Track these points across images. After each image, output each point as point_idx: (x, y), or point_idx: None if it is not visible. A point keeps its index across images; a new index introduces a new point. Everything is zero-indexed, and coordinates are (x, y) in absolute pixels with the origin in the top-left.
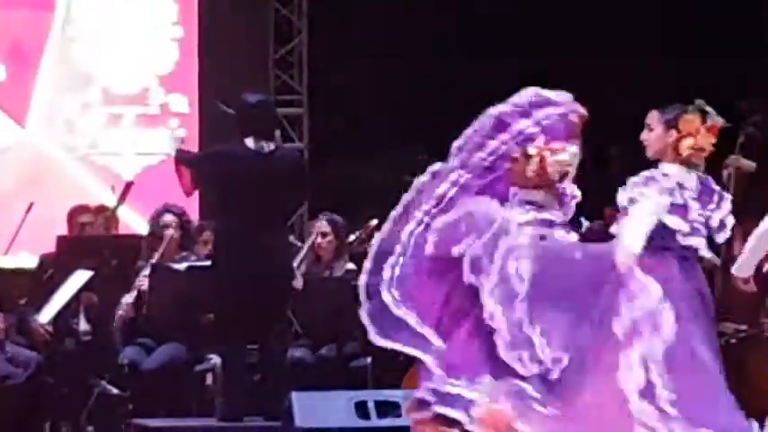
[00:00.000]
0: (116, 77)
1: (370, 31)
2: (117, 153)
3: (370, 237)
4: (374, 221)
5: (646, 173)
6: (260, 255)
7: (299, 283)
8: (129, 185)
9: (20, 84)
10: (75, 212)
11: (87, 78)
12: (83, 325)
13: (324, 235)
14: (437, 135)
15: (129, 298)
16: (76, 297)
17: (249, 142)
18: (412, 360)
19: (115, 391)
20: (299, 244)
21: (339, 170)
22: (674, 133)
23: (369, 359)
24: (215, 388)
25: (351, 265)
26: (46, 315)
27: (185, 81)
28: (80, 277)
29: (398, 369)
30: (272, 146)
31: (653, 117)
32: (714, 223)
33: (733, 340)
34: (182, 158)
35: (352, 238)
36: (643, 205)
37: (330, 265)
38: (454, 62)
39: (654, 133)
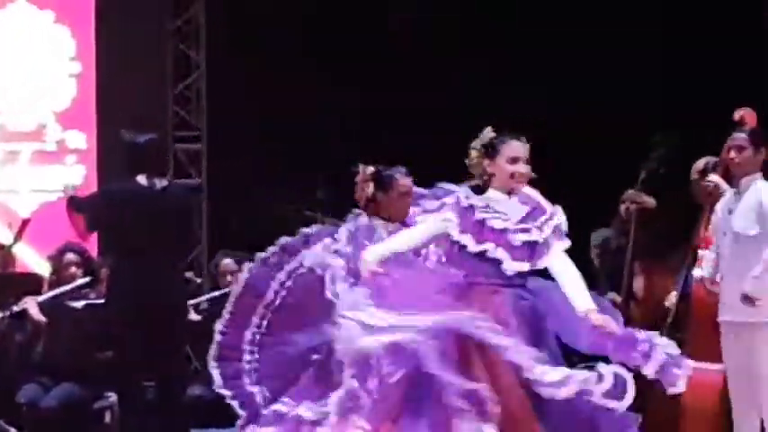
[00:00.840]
0: (12, 114)
1: (268, 65)
2: (13, 190)
3: None
4: None
5: None
6: (152, 291)
7: (195, 318)
8: (25, 222)
9: None
10: None
11: None
12: None
13: (232, 273)
14: (338, 168)
15: None
16: None
17: (141, 179)
18: None
19: (13, 430)
20: (198, 280)
21: (238, 205)
22: None
23: None
24: (113, 425)
25: None
26: None
27: (83, 117)
28: None
29: None
30: (164, 182)
31: None
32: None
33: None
34: (74, 206)
35: None
36: None
37: None
38: (354, 94)
39: None
